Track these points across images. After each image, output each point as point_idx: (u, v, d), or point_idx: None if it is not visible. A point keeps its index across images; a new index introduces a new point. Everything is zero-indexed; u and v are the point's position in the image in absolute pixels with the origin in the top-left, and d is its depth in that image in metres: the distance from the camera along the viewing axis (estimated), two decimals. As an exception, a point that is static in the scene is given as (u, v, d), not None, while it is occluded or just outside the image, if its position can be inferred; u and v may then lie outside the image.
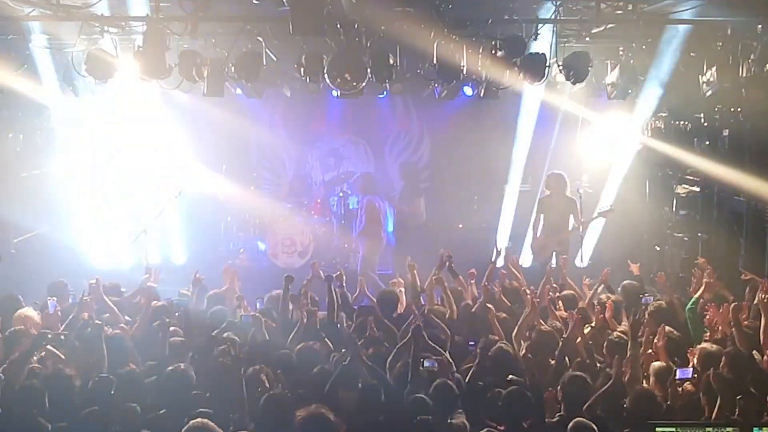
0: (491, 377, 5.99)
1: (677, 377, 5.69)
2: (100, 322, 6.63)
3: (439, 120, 14.27)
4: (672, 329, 6.57)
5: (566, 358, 6.32)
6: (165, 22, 8.29)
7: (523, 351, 6.54)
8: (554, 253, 10.66)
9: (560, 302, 7.74)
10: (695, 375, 5.75)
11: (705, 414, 5.35)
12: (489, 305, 7.29)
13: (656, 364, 6.00)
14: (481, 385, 5.93)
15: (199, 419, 4.84)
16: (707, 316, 6.96)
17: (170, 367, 5.91)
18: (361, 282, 8.52)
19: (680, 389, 5.68)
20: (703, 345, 6.16)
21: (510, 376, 5.84)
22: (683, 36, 9.08)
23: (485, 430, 4.96)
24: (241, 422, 5.21)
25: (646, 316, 7.16)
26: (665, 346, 6.30)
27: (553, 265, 10.34)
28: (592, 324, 7.01)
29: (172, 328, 6.83)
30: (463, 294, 8.11)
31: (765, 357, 6.03)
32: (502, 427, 5.21)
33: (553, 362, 6.28)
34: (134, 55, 8.45)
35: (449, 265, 8.32)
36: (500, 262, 9.21)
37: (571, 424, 4.95)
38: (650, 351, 6.30)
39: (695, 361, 5.99)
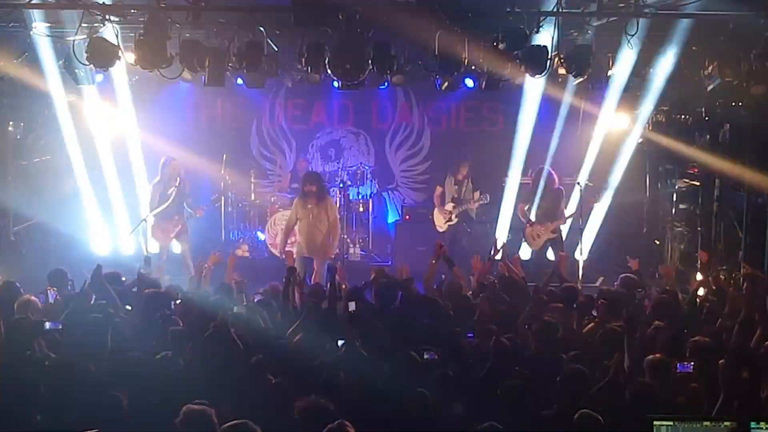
0: (489, 369, 5.99)
1: (677, 371, 5.69)
2: (112, 311, 6.64)
3: (440, 111, 14.28)
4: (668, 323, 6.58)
5: (565, 351, 6.33)
6: (166, 12, 8.29)
7: (522, 343, 6.55)
8: (550, 243, 11.17)
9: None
10: (694, 369, 5.76)
11: (703, 408, 5.36)
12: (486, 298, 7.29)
13: (651, 357, 6.00)
14: (479, 376, 5.93)
15: (193, 406, 4.84)
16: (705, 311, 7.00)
17: (158, 355, 5.92)
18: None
19: (678, 383, 5.69)
20: (696, 338, 6.16)
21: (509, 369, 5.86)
22: (685, 30, 9.07)
23: (487, 423, 4.96)
24: (241, 412, 5.20)
25: (649, 309, 7.18)
26: (661, 340, 6.32)
27: (551, 257, 10.52)
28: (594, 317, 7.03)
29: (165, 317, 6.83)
30: (462, 285, 8.10)
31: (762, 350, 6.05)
32: (502, 420, 5.21)
33: (552, 355, 6.29)
34: (135, 44, 8.44)
35: (444, 255, 8.31)
36: (498, 256, 9.22)
37: (576, 416, 4.95)
38: (648, 344, 6.32)
39: (688, 354, 5.99)
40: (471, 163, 12.29)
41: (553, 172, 11.36)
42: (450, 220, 12.11)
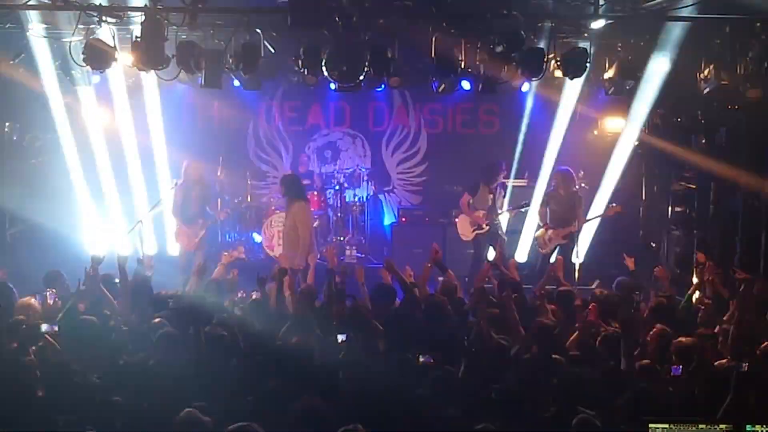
0: (486, 371, 6.00)
1: (671, 374, 5.70)
2: (109, 313, 6.61)
3: (437, 114, 14.29)
4: (665, 326, 6.58)
5: (562, 354, 6.33)
6: (163, 13, 8.29)
7: (519, 345, 6.55)
8: (558, 248, 10.92)
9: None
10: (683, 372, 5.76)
11: (699, 410, 5.36)
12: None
13: (644, 361, 6.01)
14: (475, 378, 5.94)
15: (188, 410, 4.84)
16: (701, 314, 7.00)
17: (154, 357, 5.91)
18: (359, 272, 8.37)
19: (673, 386, 5.70)
20: (679, 339, 6.15)
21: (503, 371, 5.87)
22: (681, 33, 9.09)
23: (481, 425, 4.96)
24: (238, 414, 5.20)
25: (647, 311, 7.19)
26: (657, 342, 6.33)
27: (552, 261, 10.48)
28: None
29: (158, 319, 6.81)
30: (457, 289, 8.10)
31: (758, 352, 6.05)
32: (498, 422, 5.22)
33: (548, 357, 6.29)
34: (132, 46, 8.44)
35: (438, 259, 8.29)
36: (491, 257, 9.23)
37: (575, 421, 4.95)
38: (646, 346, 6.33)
39: (673, 357, 5.99)
40: (506, 170, 11.71)
41: (572, 172, 11.11)
42: (480, 228, 11.48)
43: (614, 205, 11.16)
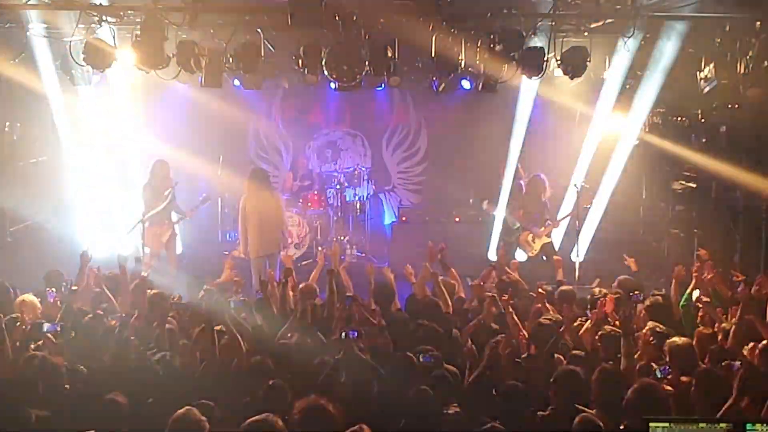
0: (486, 371, 6.00)
1: (657, 375, 5.69)
2: (101, 312, 6.61)
3: (437, 113, 14.31)
4: (660, 325, 6.58)
5: (562, 353, 6.34)
6: (163, 12, 8.29)
7: (520, 345, 6.55)
8: (543, 247, 11.09)
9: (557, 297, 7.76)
10: (670, 372, 5.76)
11: (699, 410, 5.37)
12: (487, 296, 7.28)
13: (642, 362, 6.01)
14: (475, 377, 5.94)
15: (187, 408, 4.84)
16: (700, 313, 6.99)
17: (158, 355, 5.91)
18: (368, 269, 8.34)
19: (670, 385, 5.70)
20: (673, 339, 6.15)
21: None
22: (681, 32, 9.09)
23: (489, 425, 4.96)
24: (239, 413, 5.21)
25: (643, 311, 7.19)
26: (653, 342, 6.33)
27: (545, 259, 10.57)
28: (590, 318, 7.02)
29: (160, 319, 6.81)
30: (456, 288, 8.10)
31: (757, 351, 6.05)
32: (498, 421, 5.22)
33: (548, 356, 6.30)
34: (132, 45, 8.45)
35: (441, 258, 8.29)
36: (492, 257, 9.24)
37: (577, 419, 4.95)
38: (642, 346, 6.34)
39: (667, 357, 5.99)
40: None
41: (545, 179, 11.29)
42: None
43: (585, 184, 11.32)
